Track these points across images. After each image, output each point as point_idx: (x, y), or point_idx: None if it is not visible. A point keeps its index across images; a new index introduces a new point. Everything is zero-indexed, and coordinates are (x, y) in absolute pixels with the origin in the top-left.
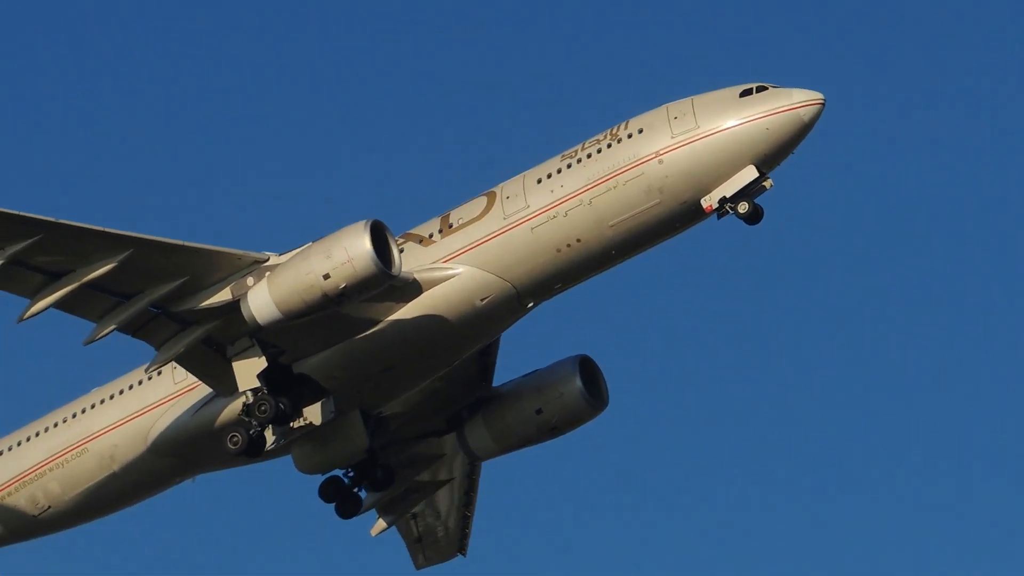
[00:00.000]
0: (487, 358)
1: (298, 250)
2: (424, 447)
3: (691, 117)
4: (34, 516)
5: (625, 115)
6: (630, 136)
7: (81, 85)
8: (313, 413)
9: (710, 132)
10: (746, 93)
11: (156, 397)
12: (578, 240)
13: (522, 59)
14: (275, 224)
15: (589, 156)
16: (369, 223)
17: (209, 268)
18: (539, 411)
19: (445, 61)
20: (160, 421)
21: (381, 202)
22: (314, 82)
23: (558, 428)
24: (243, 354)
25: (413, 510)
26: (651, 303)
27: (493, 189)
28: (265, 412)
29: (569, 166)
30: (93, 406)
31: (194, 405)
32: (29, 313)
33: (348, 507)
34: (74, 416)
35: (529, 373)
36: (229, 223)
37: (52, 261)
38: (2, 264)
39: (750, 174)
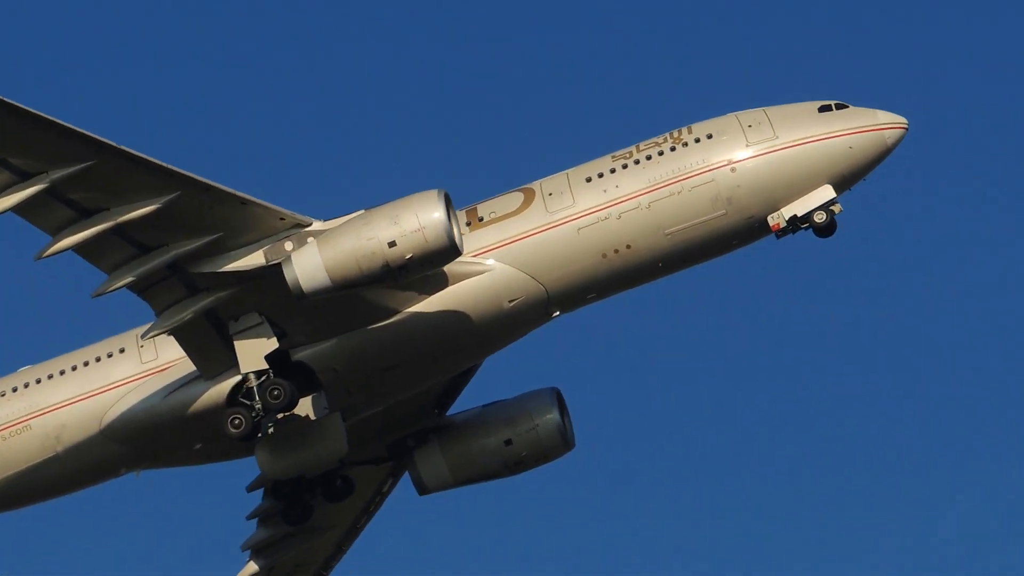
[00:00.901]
0: (461, 380)
1: (350, 216)
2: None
3: (768, 127)
4: None
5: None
6: (697, 141)
7: None
8: (305, 407)
9: (790, 144)
10: (825, 109)
11: (118, 376)
12: (628, 246)
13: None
14: None
15: (649, 158)
16: (442, 193)
17: (246, 225)
18: (508, 442)
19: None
20: (120, 403)
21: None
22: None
23: (524, 463)
24: (248, 332)
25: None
26: (620, 340)
27: (530, 185)
28: (278, 397)
29: (625, 167)
30: (39, 380)
31: (165, 387)
32: (50, 251)
33: (297, 513)
34: (15, 390)
35: (490, 404)
36: None
37: (89, 196)
38: (42, 189)
39: (826, 194)
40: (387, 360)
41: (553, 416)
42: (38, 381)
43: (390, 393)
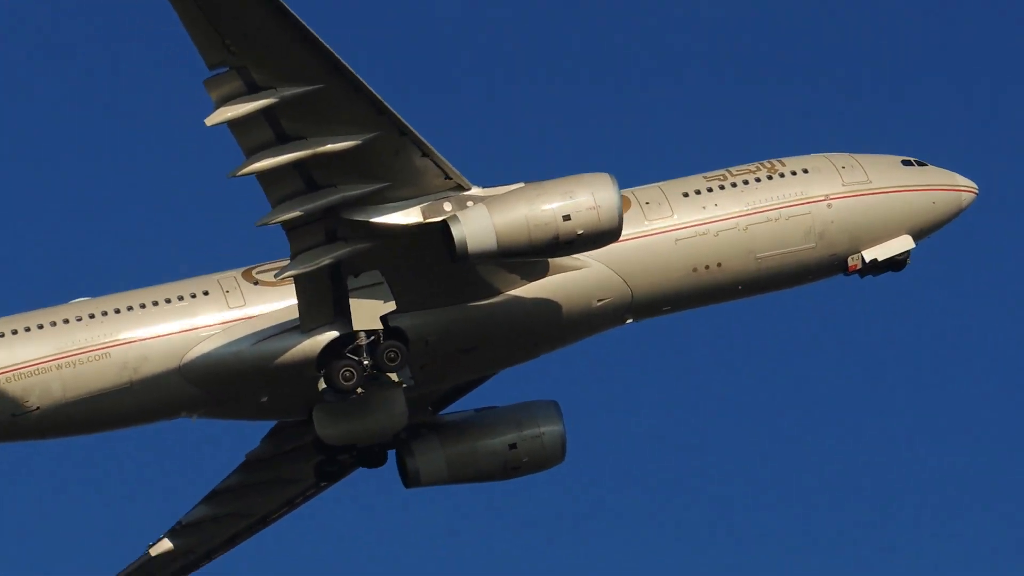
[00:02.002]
0: (472, 383)
1: (515, 186)
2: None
3: (860, 171)
4: (12, 416)
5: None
6: (794, 173)
7: None
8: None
9: (883, 189)
10: (907, 163)
11: (204, 319)
12: (719, 264)
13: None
14: None
15: (746, 183)
16: (613, 176)
17: (411, 178)
18: (513, 446)
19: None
20: (203, 344)
21: None
22: None
23: (520, 469)
24: (366, 291)
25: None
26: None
27: (623, 192)
28: (395, 360)
29: (721, 187)
30: (117, 311)
31: (255, 334)
32: (244, 171)
33: (331, 471)
34: (92, 317)
35: (483, 408)
36: None
37: (297, 123)
38: (269, 104)
39: (906, 243)
40: (473, 339)
41: (559, 428)
42: (117, 311)
43: (450, 377)
